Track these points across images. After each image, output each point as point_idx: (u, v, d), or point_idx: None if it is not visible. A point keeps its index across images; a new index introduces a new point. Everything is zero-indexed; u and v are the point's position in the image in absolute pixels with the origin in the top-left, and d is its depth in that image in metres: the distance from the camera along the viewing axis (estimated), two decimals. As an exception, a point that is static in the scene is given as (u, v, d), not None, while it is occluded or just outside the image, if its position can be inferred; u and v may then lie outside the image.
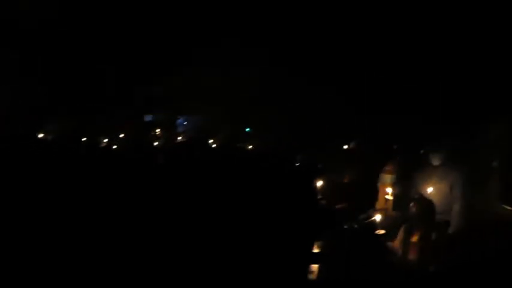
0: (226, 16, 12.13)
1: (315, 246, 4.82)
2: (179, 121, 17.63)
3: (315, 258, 4.66)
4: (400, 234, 5.02)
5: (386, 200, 5.53)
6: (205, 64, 13.05)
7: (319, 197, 5.64)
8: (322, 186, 5.66)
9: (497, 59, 8.79)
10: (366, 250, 4.70)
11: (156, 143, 8.84)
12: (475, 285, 4.63)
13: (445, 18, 9.45)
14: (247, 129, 13.96)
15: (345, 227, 5.25)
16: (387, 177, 6.02)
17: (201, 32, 12.67)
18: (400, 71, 10.74)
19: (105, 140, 9.47)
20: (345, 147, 8.79)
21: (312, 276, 4.47)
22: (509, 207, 7.85)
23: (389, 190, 5.38)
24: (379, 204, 6.11)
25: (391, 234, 5.09)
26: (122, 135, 9.56)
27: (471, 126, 9.39)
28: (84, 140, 9.43)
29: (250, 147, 9.39)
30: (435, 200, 5.54)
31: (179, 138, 9.71)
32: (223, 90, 13.73)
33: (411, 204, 5.27)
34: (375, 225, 4.72)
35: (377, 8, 10.67)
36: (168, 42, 13.02)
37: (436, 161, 6.08)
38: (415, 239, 4.80)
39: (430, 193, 5.59)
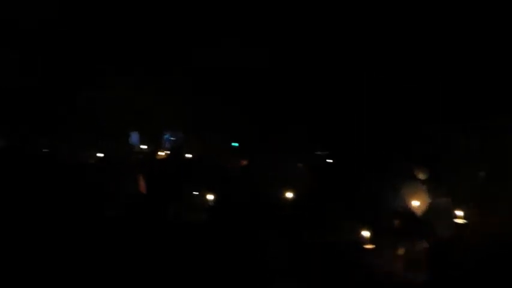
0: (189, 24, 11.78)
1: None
2: (166, 137, 17.44)
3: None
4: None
5: (458, 224, 5.26)
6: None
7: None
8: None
9: (470, 65, 8.72)
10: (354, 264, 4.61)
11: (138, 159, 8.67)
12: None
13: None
14: (235, 144, 13.71)
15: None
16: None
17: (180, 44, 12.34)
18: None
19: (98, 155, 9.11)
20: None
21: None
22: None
23: (459, 213, 5.15)
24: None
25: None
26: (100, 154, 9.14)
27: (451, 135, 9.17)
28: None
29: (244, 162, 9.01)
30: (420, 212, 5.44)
31: (161, 153, 9.55)
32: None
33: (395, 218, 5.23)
34: (364, 240, 4.63)
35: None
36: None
37: (422, 176, 6.02)
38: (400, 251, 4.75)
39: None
